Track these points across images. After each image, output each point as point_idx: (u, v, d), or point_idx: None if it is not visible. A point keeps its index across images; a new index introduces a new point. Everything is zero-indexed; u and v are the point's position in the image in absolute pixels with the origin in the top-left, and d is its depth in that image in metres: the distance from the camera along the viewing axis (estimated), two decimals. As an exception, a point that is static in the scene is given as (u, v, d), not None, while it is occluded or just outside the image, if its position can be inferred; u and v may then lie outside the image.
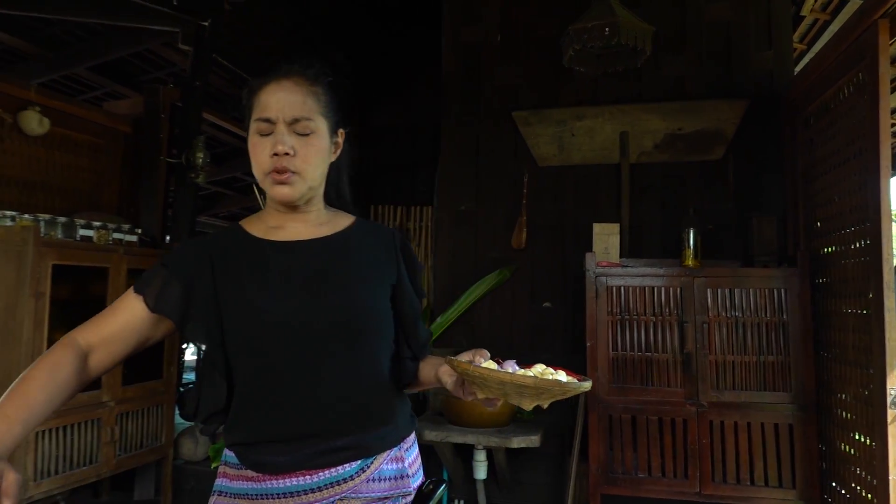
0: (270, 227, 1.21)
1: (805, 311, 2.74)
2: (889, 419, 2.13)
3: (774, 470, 2.71)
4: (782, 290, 2.78)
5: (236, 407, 1.14)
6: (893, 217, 2.54)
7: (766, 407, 2.73)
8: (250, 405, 1.13)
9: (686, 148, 3.47)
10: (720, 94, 3.43)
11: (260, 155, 1.13)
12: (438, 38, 4.07)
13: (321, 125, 1.15)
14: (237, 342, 1.12)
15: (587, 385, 0.98)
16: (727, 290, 2.83)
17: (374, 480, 1.13)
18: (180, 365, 7.13)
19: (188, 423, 4.11)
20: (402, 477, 1.16)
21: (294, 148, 1.11)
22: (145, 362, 3.49)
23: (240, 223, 1.24)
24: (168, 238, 4.11)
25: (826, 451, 2.70)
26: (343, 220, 1.26)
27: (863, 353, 2.34)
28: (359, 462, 1.11)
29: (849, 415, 2.47)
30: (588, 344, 2.91)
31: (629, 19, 2.91)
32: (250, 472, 1.12)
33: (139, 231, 3.56)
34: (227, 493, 1.15)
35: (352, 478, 1.10)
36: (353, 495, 1.10)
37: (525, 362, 1.05)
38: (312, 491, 1.09)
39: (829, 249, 2.71)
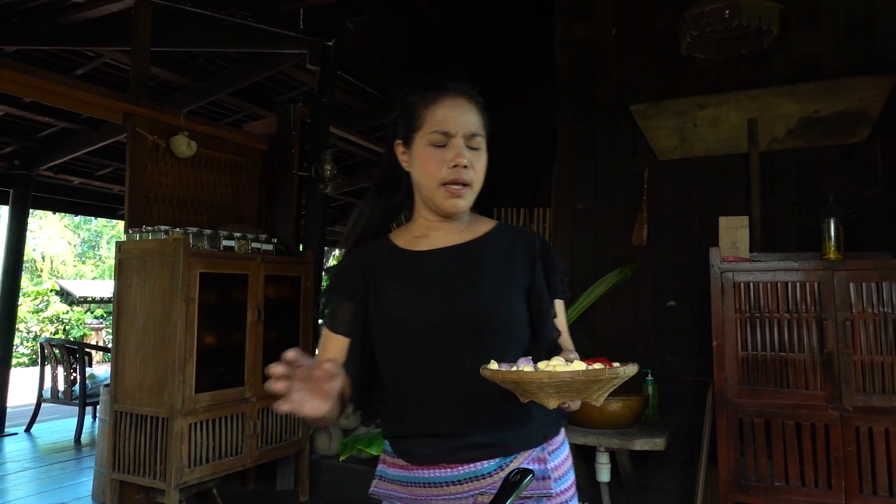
0: (415, 237, 1.28)
1: (969, 305, 2.43)
2: None
3: (935, 483, 2.42)
4: (940, 283, 2.49)
5: (387, 402, 1.24)
6: None
7: (924, 412, 2.46)
8: (397, 402, 1.22)
9: (824, 132, 3.21)
10: (862, 70, 3.14)
11: (434, 165, 1.19)
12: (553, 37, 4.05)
13: (484, 140, 1.25)
14: (382, 345, 1.22)
15: (625, 371, 0.90)
16: (873, 284, 2.57)
17: None
18: (318, 366, 7.58)
19: (323, 420, 4.36)
20: (543, 478, 1.15)
21: (470, 161, 1.19)
22: (282, 362, 3.76)
23: (389, 235, 1.33)
24: (301, 246, 4.40)
25: None
26: (484, 226, 1.31)
27: None
28: (497, 460, 1.14)
29: None
30: (714, 343, 2.76)
31: (752, -1, 2.74)
32: (402, 461, 1.21)
33: (275, 240, 3.85)
34: (384, 477, 1.25)
35: (490, 475, 1.13)
36: (492, 491, 1.12)
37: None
38: (453, 483, 1.15)
39: None
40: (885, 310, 2.55)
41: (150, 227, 3.33)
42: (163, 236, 3.26)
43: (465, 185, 1.20)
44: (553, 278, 1.26)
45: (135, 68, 3.89)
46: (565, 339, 1.26)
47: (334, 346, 1.25)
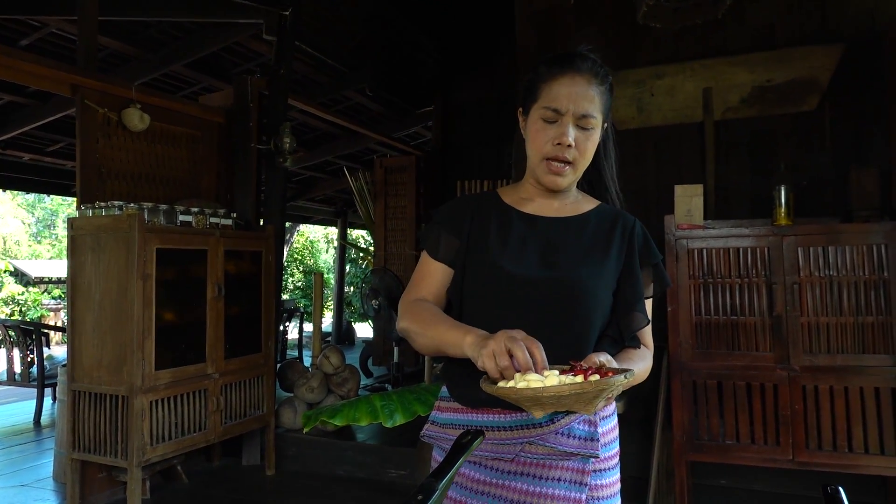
0: (522, 198, 1.33)
1: (909, 267, 2.54)
2: None
3: (876, 436, 2.54)
4: (883, 246, 2.58)
5: None
6: None
7: (866, 370, 2.57)
8: None
9: (776, 100, 3.28)
10: (813, 40, 3.21)
11: (541, 140, 1.23)
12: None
13: (599, 121, 1.23)
14: (471, 289, 1.26)
15: (616, 382, 0.93)
16: (820, 249, 2.66)
17: (562, 434, 1.18)
18: (283, 342, 7.55)
19: (288, 394, 4.37)
20: (591, 439, 1.19)
21: (575, 141, 1.20)
22: (245, 338, 3.74)
23: (497, 190, 1.38)
24: (261, 221, 4.35)
25: (937, 418, 2.51)
26: (587, 204, 1.33)
27: (974, 310, 2.15)
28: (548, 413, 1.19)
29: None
30: (669, 309, 2.83)
31: (704, -33, 2.76)
32: (456, 405, 1.27)
33: (234, 215, 3.79)
34: (436, 422, 1.32)
35: (540, 425, 1.17)
36: (540, 441, 1.17)
37: None
38: (504, 429, 1.19)
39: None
40: (831, 273, 2.64)
41: (103, 203, 3.25)
42: (117, 212, 3.19)
43: (568, 163, 1.22)
44: (650, 265, 1.29)
45: (82, 38, 3.75)
46: (646, 334, 1.29)
47: (438, 274, 1.30)
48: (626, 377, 0.93)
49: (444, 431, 1.28)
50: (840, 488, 0.74)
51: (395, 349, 5.68)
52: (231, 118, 4.36)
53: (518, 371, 0.98)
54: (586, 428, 1.20)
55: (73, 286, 3.23)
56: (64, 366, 3.47)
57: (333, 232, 15.46)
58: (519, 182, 1.37)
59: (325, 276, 14.89)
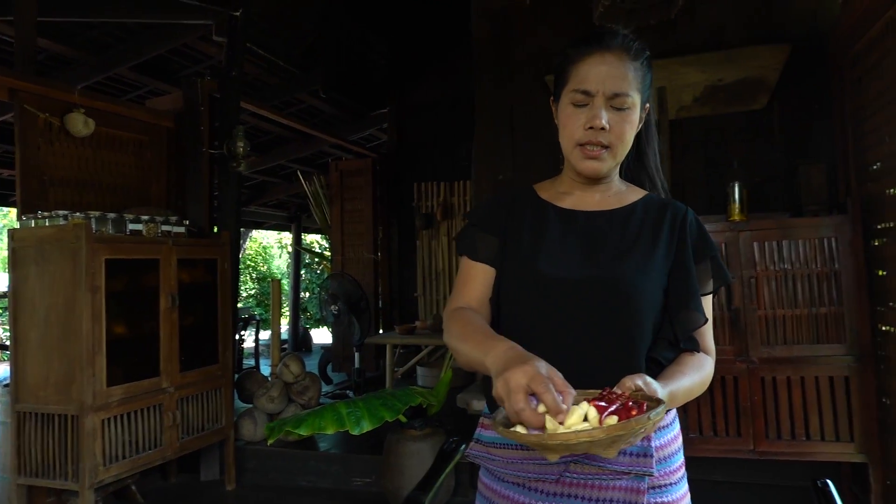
0: (560, 192, 1.25)
1: (857, 258, 2.62)
2: (951, 366, 2.03)
3: (831, 424, 2.62)
4: (833, 239, 2.66)
5: None
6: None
7: (820, 360, 2.64)
8: None
9: (728, 99, 3.34)
10: (761, 39, 3.28)
11: (573, 126, 1.14)
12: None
13: (636, 100, 1.14)
14: (507, 295, 1.17)
15: (646, 423, 0.82)
16: (774, 243, 2.73)
17: None
18: (239, 351, 7.38)
19: (247, 405, 4.26)
20: (644, 455, 1.06)
21: (609, 123, 1.11)
22: (202, 349, 3.62)
23: (533, 186, 1.29)
24: (215, 228, 4.23)
25: (885, 402, 2.60)
26: (633, 195, 1.24)
27: (921, 299, 2.23)
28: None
29: (909, 364, 2.36)
30: (631, 306, 2.86)
31: (657, -31, 2.80)
32: None
33: (186, 222, 3.67)
34: (480, 440, 1.21)
35: None
36: (585, 461, 1.06)
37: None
38: (549, 449, 1.09)
39: (889, 191, 2.57)
40: (786, 266, 2.71)
41: (46, 213, 3.10)
42: (61, 222, 3.05)
43: (604, 147, 1.13)
44: (705, 258, 1.18)
45: (19, 40, 3.57)
46: (705, 334, 1.18)
47: (481, 276, 1.21)
48: (649, 417, 0.82)
49: (488, 451, 1.17)
50: (829, 482, 0.74)
51: (356, 354, 5.61)
52: (181, 122, 4.23)
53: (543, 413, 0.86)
54: (639, 443, 1.07)
55: (16, 301, 3.08)
56: (6, 385, 3.29)
57: (287, 237, 15.22)
58: (557, 175, 1.28)
59: (280, 282, 14.63)
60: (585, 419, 0.85)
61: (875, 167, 2.66)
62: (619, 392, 0.90)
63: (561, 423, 0.84)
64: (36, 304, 3.02)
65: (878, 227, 2.62)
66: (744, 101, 3.32)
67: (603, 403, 0.86)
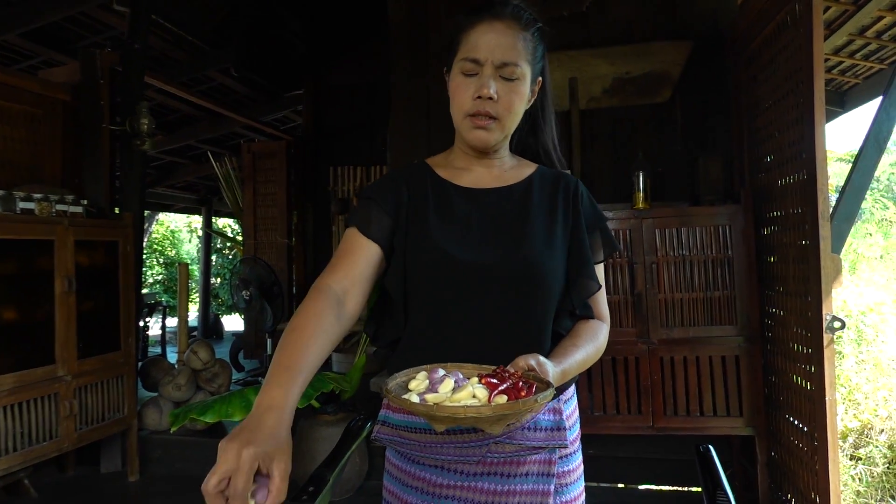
0: (456, 168, 1.23)
1: (749, 245, 2.80)
2: (825, 343, 2.21)
3: (722, 400, 2.80)
4: (727, 227, 2.83)
5: (406, 337, 1.17)
6: (831, 154, 2.59)
7: (714, 340, 2.82)
8: (418, 336, 1.15)
9: (635, 92, 3.48)
10: (665, 35, 3.43)
11: (462, 96, 1.12)
12: (388, -10, 3.98)
13: (526, 71, 1.12)
14: (416, 276, 1.13)
15: (536, 403, 0.85)
16: (675, 230, 2.87)
17: (529, 429, 1.11)
18: (145, 338, 7.07)
19: (152, 394, 4.09)
20: (558, 429, 1.12)
21: (498, 93, 1.10)
22: (102, 335, 3.44)
23: (426, 161, 1.26)
24: (117, 209, 4.01)
25: (771, 380, 2.80)
26: (526, 169, 1.24)
27: (802, 283, 2.41)
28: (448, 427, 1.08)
29: (792, 343, 2.56)
30: (542, 290, 2.94)
31: (570, -39, 2.87)
32: None
33: (84, 202, 3.47)
34: (388, 423, 1.18)
35: None
36: (507, 440, 1.08)
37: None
38: (466, 431, 1.09)
39: (778, 183, 2.75)
40: (684, 252, 2.86)
41: (-77, 189, 2.86)
42: (-59, 199, 2.82)
43: (492, 118, 1.12)
44: (595, 228, 1.21)
45: None
46: (599, 301, 1.21)
47: (364, 251, 1.13)
48: (536, 400, 0.85)
49: (398, 434, 1.16)
50: (710, 447, 0.79)
51: (269, 341, 5.50)
52: (78, 96, 3.98)
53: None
54: (552, 417, 1.13)
55: None
56: None
57: (197, 221, 14.65)
58: (449, 149, 1.27)
59: (190, 267, 14.09)
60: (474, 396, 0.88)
61: (767, 160, 2.85)
62: (512, 371, 0.92)
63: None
64: (-89, 288, 2.78)
65: (768, 215, 2.82)
66: (649, 94, 3.46)
67: (494, 381, 0.89)
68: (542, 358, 0.96)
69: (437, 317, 1.12)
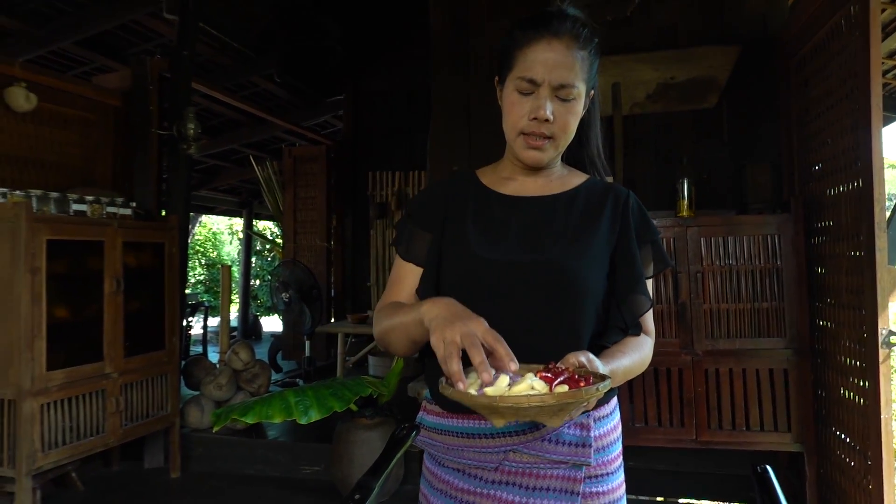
0: (502, 177, 1.23)
1: (799, 256, 2.72)
2: (881, 358, 2.13)
3: (770, 415, 2.72)
4: (776, 237, 2.76)
5: None
6: (887, 161, 2.51)
7: (761, 353, 2.74)
8: None
9: (679, 97, 3.42)
10: (712, 40, 3.36)
11: (517, 114, 1.11)
12: (428, -4, 4.00)
13: (582, 90, 1.11)
14: (448, 278, 1.14)
15: (593, 393, 0.82)
16: (721, 239, 2.81)
17: (549, 441, 1.08)
18: (186, 337, 7.22)
19: (194, 392, 4.17)
20: (583, 445, 1.07)
21: (554, 114, 1.09)
22: (147, 334, 3.53)
23: (475, 171, 1.27)
24: (163, 211, 4.11)
25: (821, 394, 2.72)
26: (574, 179, 1.22)
27: (855, 295, 2.33)
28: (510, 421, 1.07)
29: (843, 357, 2.47)
30: (582, 298, 2.90)
31: (616, -34, 2.84)
32: (437, 408, 1.17)
33: (133, 204, 3.57)
34: (423, 424, 1.21)
35: (524, 432, 1.07)
36: (524, 450, 1.07)
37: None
38: (485, 436, 1.09)
39: (829, 192, 2.67)
40: (730, 262, 2.79)
41: (-17, 190, 2.97)
42: (0, 200, 2.92)
43: (547, 138, 1.11)
44: (646, 243, 1.18)
45: (-45, 8, 3.40)
46: (646, 316, 1.17)
47: (411, 277, 1.19)
48: (598, 389, 0.82)
49: (430, 436, 1.17)
50: (769, 467, 0.76)
51: (307, 343, 5.56)
52: (129, 101, 4.09)
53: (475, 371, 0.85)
54: (577, 433, 1.09)
55: (-51, 281, 2.93)
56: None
57: (238, 223, 14.93)
58: (499, 160, 1.26)
59: (231, 269, 14.36)
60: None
61: (817, 168, 2.77)
62: (564, 367, 0.90)
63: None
64: (-30, 286, 2.88)
65: (818, 225, 2.73)
66: (695, 100, 3.40)
67: (549, 375, 0.87)
68: (591, 356, 0.95)
69: None
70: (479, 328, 0.88)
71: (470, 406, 0.84)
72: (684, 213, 2.96)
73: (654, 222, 2.79)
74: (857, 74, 2.28)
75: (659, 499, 3.28)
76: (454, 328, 0.88)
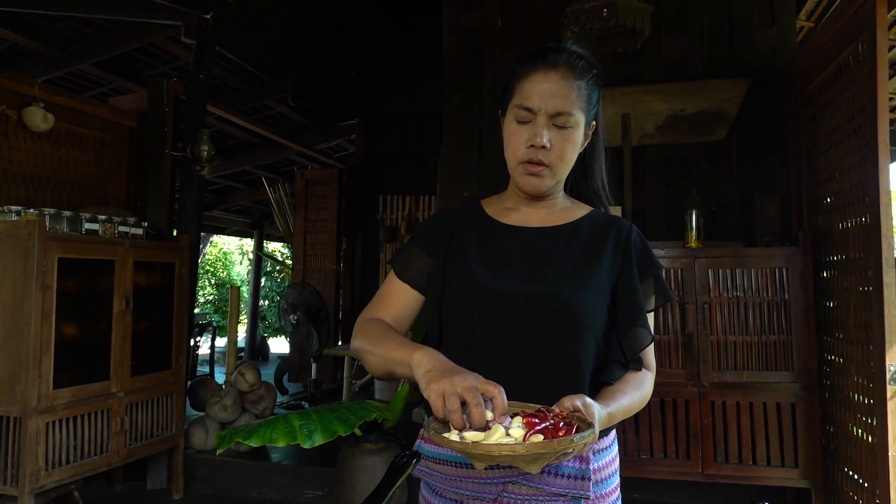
0: (506, 207, 1.25)
1: (807, 289, 2.71)
2: (889, 395, 2.11)
3: (777, 449, 2.69)
4: (784, 269, 2.75)
5: None
6: (894, 195, 2.51)
7: (768, 386, 2.72)
8: None
9: (688, 129, 3.44)
10: (722, 73, 3.40)
11: (515, 143, 1.15)
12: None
13: (579, 119, 1.13)
14: (450, 307, 1.16)
15: (579, 440, 0.84)
16: (728, 271, 2.81)
17: (549, 473, 1.08)
18: (193, 357, 7.24)
19: (199, 413, 4.17)
20: (582, 478, 1.07)
21: (551, 142, 1.11)
22: (154, 354, 3.54)
23: (480, 201, 1.30)
24: (175, 231, 4.15)
25: (829, 430, 2.68)
26: (578, 211, 1.24)
27: (863, 331, 2.32)
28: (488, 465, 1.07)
29: (851, 393, 2.45)
30: (589, 327, 2.90)
31: (628, 0, 2.88)
32: None
33: (145, 224, 3.60)
34: (420, 454, 1.16)
35: None
36: (523, 481, 1.07)
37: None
38: (495, 468, 1.08)
39: (838, 226, 2.67)
40: (738, 293, 2.79)
41: (-2, 208, 3.02)
42: (14, 217, 2.96)
43: (545, 165, 1.13)
44: (648, 276, 1.18)
45: (-21, 30, 3.49)
46: (647, 350, 1.18)
47: (400, 295, 1.22)
48: (573, 440, 0.83)
49: (427, 466, 1.17)
50: (767, 503, 0.76)
51: (313, 365, 5.55)
52: (144, 122, 4.16)
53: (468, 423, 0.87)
54: (577, 465, 1.08)
55: (-39, 297, 2.97)
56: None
57: (248, 244, 15.01)
58: (504, 191, 1.29)
59: (240, 289, 14.41)
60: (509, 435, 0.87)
61: (826, 201, 2.77)
62: (557, 411, 0.91)
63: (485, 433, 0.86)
64: (-18, 302, 2.92)
65: (827, 259, 2.72)
66: (704, 132, 3.42)
67: (535, 420, 0.88)
68: (588, 399, 0.95)
69: (470, 348, 1.12)
70: (479, 382, 0.90)
71: (450, 449, 0.87)
72: (693, 244, 2.96)
73: (662, 253, 2.80)
74: (864, 110, 2.29)
75: (665, 533, 3.23)
76: (455, 381, 0.89)
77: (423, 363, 0.97)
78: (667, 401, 2.80)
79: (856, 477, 2.42)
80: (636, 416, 2.81)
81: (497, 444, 0.83)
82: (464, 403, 0.87)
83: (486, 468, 1.08)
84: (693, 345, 2.79)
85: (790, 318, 2.73)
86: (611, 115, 3.48)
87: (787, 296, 2.74)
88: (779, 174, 3.28)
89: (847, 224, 2.50)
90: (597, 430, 0.90)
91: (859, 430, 2.38)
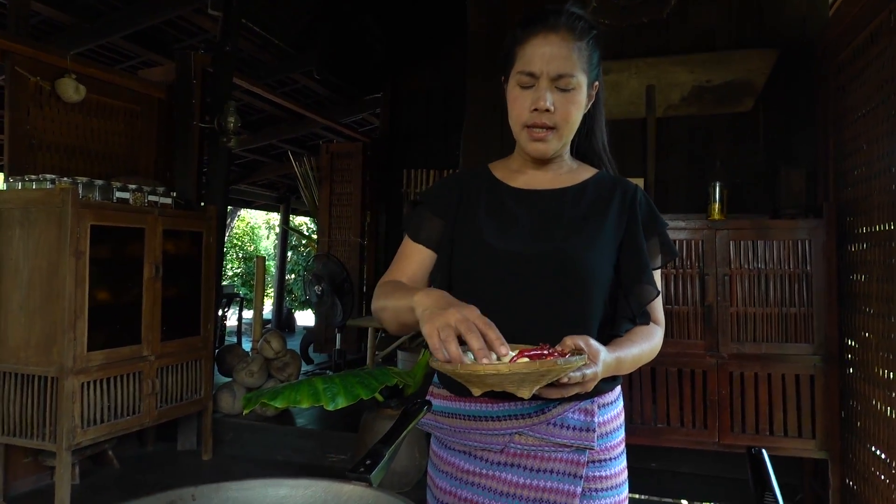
0: (513, 170, 1.26)
1: (829, 261, 2.69)
2: (908, 367, 2.10)
3: (794, 420, 2.70)
4: (807, 242, 2.73)
5: None
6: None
7: (788, 358, 2.72)
8: None
9: (714, 100, 3.39)
10: (750, 43, 3.33)
11: (519, 108, 1.15)
12: (467, -3, 4.04)
13: (581, 80, 1.13)
14: (459, 268, 1.19)
15: (567, 363, 0.86)
16: (750, 243, 2.79)
17: (554, 425, 1.11)
18: (222, 328, 7.40)
19: (227, 379, 4.29)
20: (586, 430, 1.10)
21: (554, 104, 1.12)
22: (183, 320, 3.65)
23: (488, 165, 1.31)
24: (202, 202, 4.24)
25: (851, 404, 2.68)
26: (584, 173, 1.25)
27: (887, 304, 2.30)
28: (539, 402, 1.10)
29: (874, 367, 2.44)
30: (608, 297, 2.92)
31: (651, -33, 2.84)
32: (446, 392, 1.21)
33: (174, 194, 3.69)
34: (432, 409, 1.24)
35: (530, 416, 1.10)
36: (529, 432, 1.11)
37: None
38: (492, 419, 1.13)
39: (863, 198, 2.63)
40: (759, 266, 2.78)
41: (33, 176, 3.11)
42: (49, 186, 3.06)
43: (550, 128, 1.14)
44: (654, 234, 1.20)
45: (13, 2, 3.57)
46: (655, 306, 1.20)
47: (416, 256, 1.24)
48: (557, 363, 0.85)
49: (436, 419, 1.21)
50: (763, 450, 0.79)
51: (338, 336, 5.65)
52: (172, 94, 4.23)
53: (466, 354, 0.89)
54: (581, 418, 1.12)
55: (0, 262, 3.09)
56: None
57: (275, 217, 15.18)
58: (510, 155, 1.30)
59: (266, 263, 14.61)
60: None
61: (854, 173, 2.73)
62: (559, 349, 0.93)
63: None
64: (20, 267, 3.03)
65: (851, 231, 2.70)
66: (730, 103, 3.37)
67: (535, 353, 0.90)
68: (592, 340, 0.97)
69: (479, 308, 1.11)
70: (473, 314, 0.91)
71: (442, 371, 0.89)
72: (715, 217, 2.94)
73: (682, 224, 2.79)
74: (893, 79, 2.25)
75: (683, 501, 3.27)
76: (448, 315, 0.90)
77: (422, 303, 0.98)
78: (685, 371, 2.81)
79: (876, 451, 2.41)
80: (653, 384, 2.83)
81: (482, 365, 0.85)
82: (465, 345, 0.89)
83: (491, 417, 1.11)
84: (712, 316, 2.79)
85: (812, 291, 2.71)
86: (635, 87, 3.45)
87: (809, 268, 2.72)
88: (805, 146, 3.23)
89: (873, 196, 2.47)
90: (600, 369, 0.93)
91: (882, 405, 2.37)
